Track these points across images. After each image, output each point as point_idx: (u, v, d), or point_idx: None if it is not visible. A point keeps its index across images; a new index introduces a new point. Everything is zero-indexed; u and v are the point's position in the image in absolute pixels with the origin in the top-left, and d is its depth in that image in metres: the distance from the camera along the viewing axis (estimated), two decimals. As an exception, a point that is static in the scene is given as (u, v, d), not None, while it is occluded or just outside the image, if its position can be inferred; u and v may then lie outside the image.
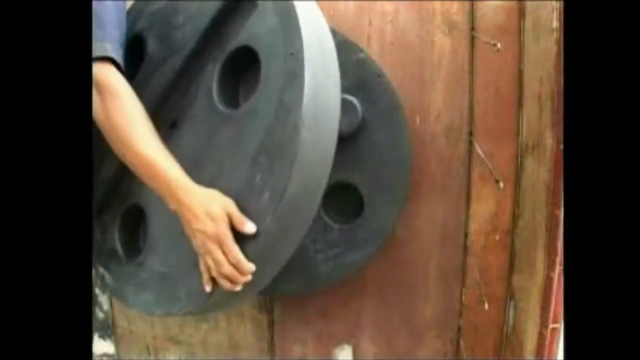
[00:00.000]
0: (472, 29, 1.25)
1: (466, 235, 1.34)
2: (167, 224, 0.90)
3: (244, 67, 0.91)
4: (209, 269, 0.78)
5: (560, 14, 1.04)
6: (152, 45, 0.98)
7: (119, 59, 0.85)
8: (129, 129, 0.80)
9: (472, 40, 1.25)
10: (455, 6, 1.25)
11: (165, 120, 0.94)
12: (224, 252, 0.76)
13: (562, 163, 1.01)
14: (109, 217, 1.04)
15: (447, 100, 1.28)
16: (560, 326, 1.07)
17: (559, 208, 1.03)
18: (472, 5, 1.24)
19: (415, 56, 1.27)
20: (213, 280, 0.80)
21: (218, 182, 0.83)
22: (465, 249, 1.35)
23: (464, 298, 1.38)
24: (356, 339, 1.43)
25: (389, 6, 1.26)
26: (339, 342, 1.43)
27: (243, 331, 1.46)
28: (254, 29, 0.87)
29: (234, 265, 0.76)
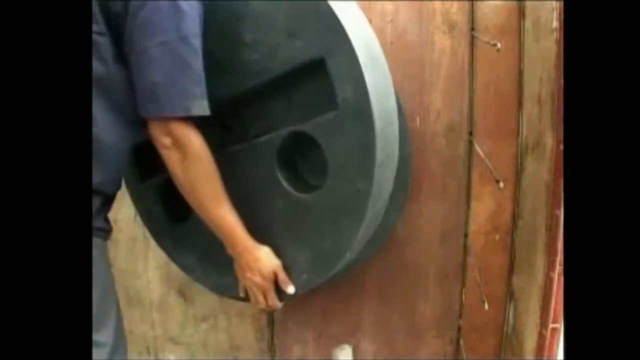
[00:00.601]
0: (472, 29, 1.25)
1: (466, 235, 1.34)
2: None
3: (304, 144, 0.93)
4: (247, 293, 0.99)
5: (560, 14, 1.04)
6: (211, 32, 0.91)
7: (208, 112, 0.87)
8: (205, 193, 0.89)
9: (472, 40, 1.25)
10: (455, 6, 1.25)
11: (216, 118, 0.93)
12: (264, 297, 0.96)
13: (562, 163, 1.01)
14: (144, 166, 1.07)
15: (447, 100, 1.28)
16: (560, 326, 1.07)
17: (559, 208, 1.03)
18: (472, 5, 1.24)
19: (415, 56, 1.27)
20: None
21: (267, 237, 0.97)
22: (465, 249, 1.35)
23: (464, 298, 1.38)
24: (356, 339, 1.43)
25: (389, 6, 1.26)
26: (339, 342, 1.43)
27: (243, 331, 1.46)
28: (329, 131, 0.89)
29: (269, 306, 0.97)
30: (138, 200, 1.14)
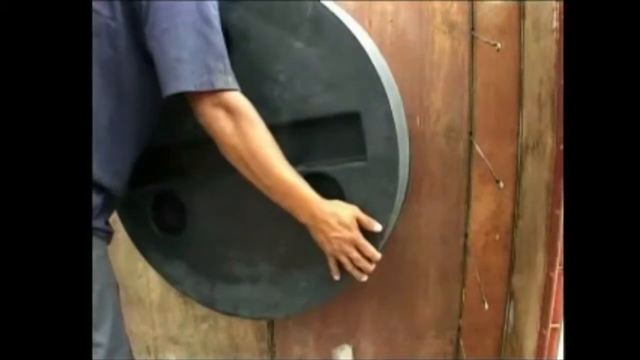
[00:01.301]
0: (472, 29, 1.25)
1: (466, 235, 1.34)
2: (209, 231, 1.05)
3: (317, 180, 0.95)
4: (338, 265, 0.95)
5: (560, 14, 1.04)
6: (245, 62, 0.94)
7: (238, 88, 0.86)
8: (267, 154, 0.86)
9: (472, 40, 1.25)
10: (455, 6, 1.25)
11: None
12: (359, 251, 0.92)
13: (562, 163, 1.01)
14: (138, 180, 1.06)
15: (447, 100, 1.28)
16: (560, 326, 1.07)
17: (559, 208, 1.03)
18: (472, 5, 1.24)
19: (415, 56, 1.27)
20: (341, 269, 0.97)
21: (273, 258, 1.02)
22: (465, 249, 1.35)
23: (464, 298, 1.38)
24: (356, 340, 1.43)
25: (389, 6, 1.26)
26: (339, 343, 1.43)
27: (243, 331, 1.46)
28: (354, 178, 0.94)
29: (368, 259, 0.93)
30: (124, 206, 1.11)
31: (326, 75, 0.91)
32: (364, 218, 0.92)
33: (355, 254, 0.92)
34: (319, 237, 0.92)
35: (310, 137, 0.96)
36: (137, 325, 1.50)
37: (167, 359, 1.52)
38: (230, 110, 0.84)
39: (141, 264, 1.43)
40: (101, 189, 0.86)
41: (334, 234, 0.90)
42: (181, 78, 0.81)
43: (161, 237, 1.10)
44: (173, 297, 1.45)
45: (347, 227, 0.90)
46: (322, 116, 0.93)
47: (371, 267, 0.96)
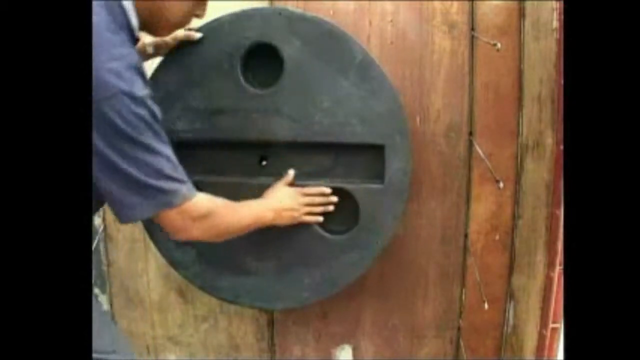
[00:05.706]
0: (472, 29, 1.25)
1: (466, 235, 1.34)
2: None
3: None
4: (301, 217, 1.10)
5: (560, 14, 1.04)
6: (289, 83, 1.08)
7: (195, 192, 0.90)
8: (234, 224, 0.97)
9: (472, 40, 1.25)
10: (455, 6, 1.25)
11: (256, 149, 1.14)
12: (313, 204, 1.09)
13: (562, 163, 1.01)
14: None
15: (447, 100, 1.28)
16: (560, 326, 1.07)
17: (559, 208, 1.03)
18: (472, 5, 1.24)
19: (415, 56, 1.27)
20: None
21: (279, 255, 1.14)
22: (465, 249, 1.35)
23: (464, 298, 1.38)
24: (356, 339, 1.43)
25: (389, 6, 1.26)
26: (339, 342, 1.43)
27: (243, 331, 1.46)
28: (370, 197, 1.11)
29: (321, 202, 1.10)
30: None
31: (363, 112, 1.08)
32: (310, 190, 1.09)
33: (307, 200, 1.09)
34: (287, 221, 1.07)
35: (337, 157, 1.13)
36: (137, 325, 1.50)
37: (167, 359, 1.52)
38: (195, 218, 0.88)
39: (141, 263, 1.43)
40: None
41: (285, 213, 1.06)
42: (136, 207, 0.83)
43: None
44: (173, 297, 1.45)
45: (289, 197, 1.07)
46: (351, 143, 1.10)
47: (329, 199, 1.10)
